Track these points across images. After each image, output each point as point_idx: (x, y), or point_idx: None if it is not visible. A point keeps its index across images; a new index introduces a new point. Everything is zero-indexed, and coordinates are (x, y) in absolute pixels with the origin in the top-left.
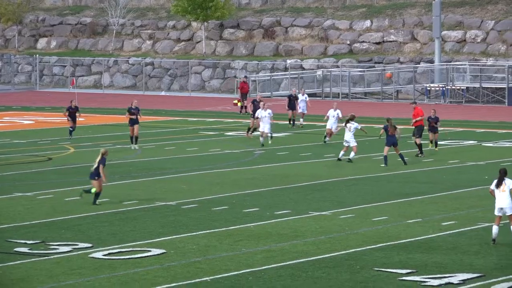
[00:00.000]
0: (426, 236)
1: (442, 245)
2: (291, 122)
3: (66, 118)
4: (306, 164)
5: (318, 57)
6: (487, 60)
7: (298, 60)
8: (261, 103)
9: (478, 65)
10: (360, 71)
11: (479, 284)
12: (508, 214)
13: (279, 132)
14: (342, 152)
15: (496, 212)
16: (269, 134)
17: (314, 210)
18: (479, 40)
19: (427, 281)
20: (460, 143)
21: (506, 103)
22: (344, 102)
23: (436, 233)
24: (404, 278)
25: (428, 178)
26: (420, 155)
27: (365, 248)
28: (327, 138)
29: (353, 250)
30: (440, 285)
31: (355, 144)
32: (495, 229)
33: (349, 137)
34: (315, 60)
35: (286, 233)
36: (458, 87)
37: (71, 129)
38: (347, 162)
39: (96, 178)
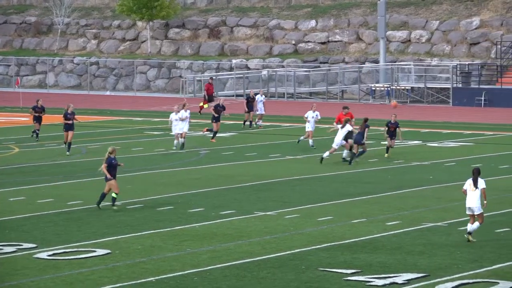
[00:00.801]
0: (371, 236)
1: (386, 245)
2: (249, 123)
3: (32, 117)
4: (251, 164)
5: (264, 57)
6: (431, 60)
7: (244, 60)
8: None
9: (422, 65)
10: (305, 71)
11: (423, 284)
12: (476, 213)
13: (225, 132)
14: (327, 153)
15: (467, 212)
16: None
17: (259, 210)
18: (423, 40)
19: (372, 281)
20: (405, 143)
21: (451, 103)
22: (289, 102)
23: (381, 233)
24: (349, 278)
25: (373, 178)
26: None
27: (310, 248)
28: (301, 137)
29: (298, 250)
30: (385, 285)
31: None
32: (469, 226)
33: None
34: (260, 60)
35: (231, 233)
36: (403, 87)
37: (37, 131)
38: (343, 161)
39: (111, 179)
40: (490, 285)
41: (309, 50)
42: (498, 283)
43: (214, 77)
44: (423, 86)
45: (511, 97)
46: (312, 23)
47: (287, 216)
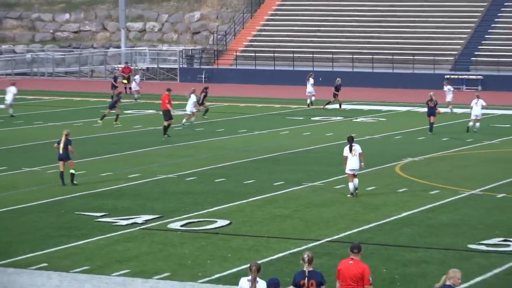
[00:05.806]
0: (116, 186)
1: (129, 193)
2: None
3: None
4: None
5: (28, 43)
6: (162, 46)
7: (11, 46)
8: None
9: (155, 50)
10: (61, 55)
11: (158, 223)
12: (355, 173)
13: None
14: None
15: (348, 172)
16: None
17: (25, 166)
18: (156, 30)
19: (117, 222)
20: (141, 112)
21: (178, 80)
22: (49, 80)
23: (125, 184)
24: (99, 219)
25: (117, 140)
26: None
27: (69, 196)
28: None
29: (59, 198)
30: (128, 224)
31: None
32: (350, 184)
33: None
34: (25, 46)
35: (3, 184)
36: (140, 67)
37: None
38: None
39: (68, 160)
40: (210, 223)
41: (64, 38)
42: (216, 221)
43: (127, 62)
44: (156, 66)
45: (225, 75)
46: (67, 16)
47: (49, 171)
